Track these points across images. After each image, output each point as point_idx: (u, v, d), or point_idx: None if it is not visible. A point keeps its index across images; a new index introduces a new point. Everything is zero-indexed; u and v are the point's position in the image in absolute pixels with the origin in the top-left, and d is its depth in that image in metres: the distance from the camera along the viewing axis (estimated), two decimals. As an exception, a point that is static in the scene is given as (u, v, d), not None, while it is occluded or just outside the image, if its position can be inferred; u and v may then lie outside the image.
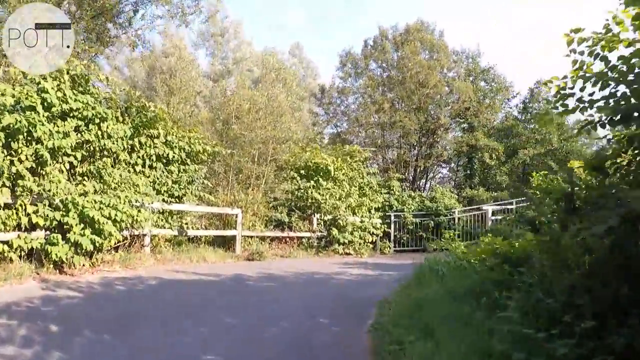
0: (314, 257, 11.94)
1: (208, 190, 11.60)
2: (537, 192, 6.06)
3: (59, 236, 6.67)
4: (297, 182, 12.86)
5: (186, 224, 9.95)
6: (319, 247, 12.42)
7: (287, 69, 17.57)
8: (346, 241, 12.67)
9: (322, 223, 12.86)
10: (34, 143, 6.91)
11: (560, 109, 3.50)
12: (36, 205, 6.76)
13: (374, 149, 20.26)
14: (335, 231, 12.58)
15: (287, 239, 12.24)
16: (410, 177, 21.51)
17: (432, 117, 21.04)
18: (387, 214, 14.91)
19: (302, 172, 13.14)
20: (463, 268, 6.06)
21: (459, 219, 15.21)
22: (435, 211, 15.26)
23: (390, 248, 14.27)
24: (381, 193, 15.40)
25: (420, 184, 22.65)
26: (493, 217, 10.31)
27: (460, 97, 20.57)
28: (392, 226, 14.74)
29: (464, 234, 13.87)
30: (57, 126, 7.23)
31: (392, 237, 14.67)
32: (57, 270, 6.74)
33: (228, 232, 10.96)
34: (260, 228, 11.72)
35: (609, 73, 3.15)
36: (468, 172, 21.24)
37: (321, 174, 13.10)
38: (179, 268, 8.37)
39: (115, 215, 7.12)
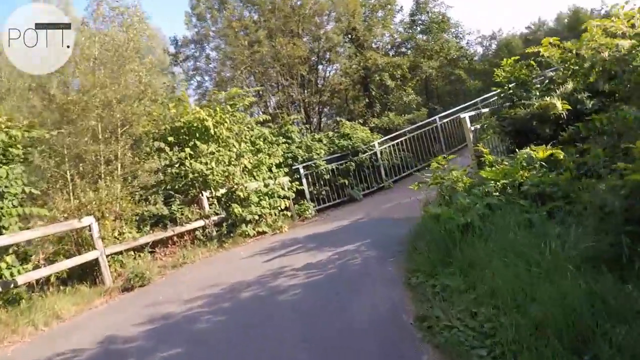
0: (218, 252, 8.44)
1: (34, 200, 7.45)
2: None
3: None
4: (168, 154, 9.02)
5: (9, 267, 5.90)
6: (221, 236, 8.87)
7: None
8: (255, 217, 9.28)
9: (215, 202, 9.29)
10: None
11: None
12: None
13: (259, 88, 16.49)
14: (236, 208, 9.06)
15: (175, 238, 8.55)
16: (303, 119, 18.22)
17: (318, 40, 17.58)
18: (293, 167, 11.69)
19: (171, 138, 9.25)
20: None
21: (382, 152, 12.62)
22: (353, 149, 12.43)
23: (310, 209, 11.18)
24: (279, 144, 12.11)
25: (317, 124, 19.42)
26: (472, 127, 7.90)
27: (346, 13, 17.37)
28: (305, 181, 11.56)
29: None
30: None
31: (307, 196, 11.58)
32: None
33: (85, 257, 6.88)
34: (132, 235, 7.82)
35: None
36: (366, 100, 18.64)
37: (197, 135, 9.34)
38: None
39: None
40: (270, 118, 13.45)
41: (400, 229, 6.57)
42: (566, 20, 26.42)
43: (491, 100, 13.95)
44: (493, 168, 5.81)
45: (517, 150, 6.19)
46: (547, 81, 7.76)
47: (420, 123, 13.69)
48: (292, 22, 16.93)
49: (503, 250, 3.86)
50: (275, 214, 9.85)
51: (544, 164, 5.32)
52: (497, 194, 5.20)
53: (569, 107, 6.35)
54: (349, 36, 18.09)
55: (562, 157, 5.18)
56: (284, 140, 12.48)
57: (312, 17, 17.30)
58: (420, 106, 17.15)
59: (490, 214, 4.76)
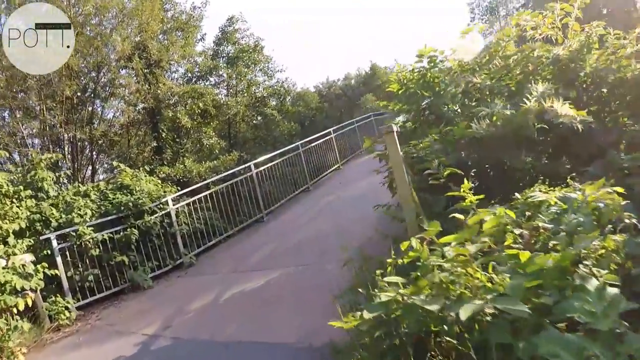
0: None
1: None
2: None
3: None
4: None
5: None
6: None
7: None
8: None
9: None
10: None
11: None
12: None
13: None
14: None
15: None
16: (68, 163, 13.47)
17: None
18: (42, 237, 7.45)
19: None
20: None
21: (178, 212, 9.15)
22: (136, 208, 8.55)
23: (70, 310, 7.01)
24: (21, 199, 7.78)
25: (87, 173, 14.45)
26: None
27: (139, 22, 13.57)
28: (60, 260, 7.31)
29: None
30: None
31: (65, 285, 7.19)
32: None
33: None
34: None
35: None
36: (155, 143, 15.01)
37: None
38: None
39: None
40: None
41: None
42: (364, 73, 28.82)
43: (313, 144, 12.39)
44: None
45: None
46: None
47: (229, 172, 10.81)
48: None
49: None
50: (5, 324, 5.63)
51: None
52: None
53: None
54: (140, 56, 14.28)
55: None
56: (30, 193, 8.07)
57: (89, 15, 12.86)
58: (224, 151, 14.37)
59: None
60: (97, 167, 14.85)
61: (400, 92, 5.45)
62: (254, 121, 19.69)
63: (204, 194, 9.67)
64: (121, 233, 8.19)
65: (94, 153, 14.42)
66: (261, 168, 10.77)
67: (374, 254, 3.92)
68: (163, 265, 8.52)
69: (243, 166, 10.74)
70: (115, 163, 11.58)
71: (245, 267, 7.12)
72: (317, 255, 6.37)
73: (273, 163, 11.10)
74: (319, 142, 13.14)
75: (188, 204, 9.42)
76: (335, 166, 13.69)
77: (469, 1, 56.75)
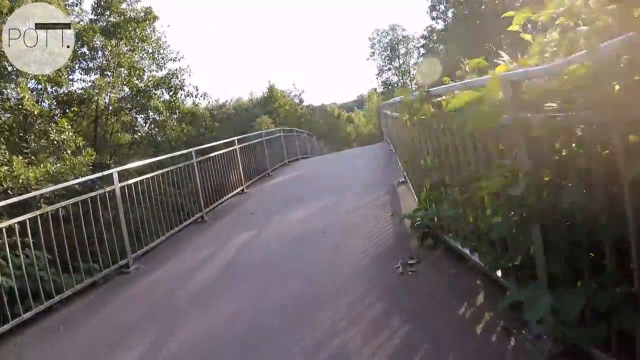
0: None
1: None
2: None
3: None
4: None
5: None
6: None
7: None
8: None
9: None
10: None
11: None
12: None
13: None
14: None
15: None
16: None
17: None
18: None
19: None
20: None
21: None
22: None
23: None
24: None
25: None
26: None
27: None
28: None
29: None
30: None
31: None
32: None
33: None
34: None
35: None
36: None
37: None
38: None
39: None
40: None
41: None
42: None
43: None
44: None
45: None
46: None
47: (77, 181, 6.86)
48: None
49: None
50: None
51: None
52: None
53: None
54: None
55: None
56: None
57: None
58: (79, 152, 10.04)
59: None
60: None
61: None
62: (133, 122, 15.54)
63: (27, 216, 5.68)
64: None
65: None
66: (131, 181, 6.93)
67: None
68: None
69: (100, 174, 6.73)
70: None
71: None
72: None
73: (149, 176, 7.13)
74: (220, 152, 9.74)
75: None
76: (239, 189, 10.32)
77: (371, 36, 57.71)
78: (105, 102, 12.33)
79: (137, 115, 14.99)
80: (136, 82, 12.97)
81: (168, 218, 7.29)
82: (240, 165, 10.49)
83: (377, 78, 57.63)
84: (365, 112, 67.01)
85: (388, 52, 56.57)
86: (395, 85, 56.39)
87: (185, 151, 8.61)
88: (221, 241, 6.35)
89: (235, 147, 10.56)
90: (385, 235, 4.76)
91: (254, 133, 13.31)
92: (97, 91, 10.84)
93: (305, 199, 7.78)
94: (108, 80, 11.61)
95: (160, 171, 7.37)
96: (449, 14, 42.12)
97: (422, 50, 51.27)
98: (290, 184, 10.77)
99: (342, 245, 4.83)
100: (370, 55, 57.30)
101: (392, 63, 57.01)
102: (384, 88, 57.25)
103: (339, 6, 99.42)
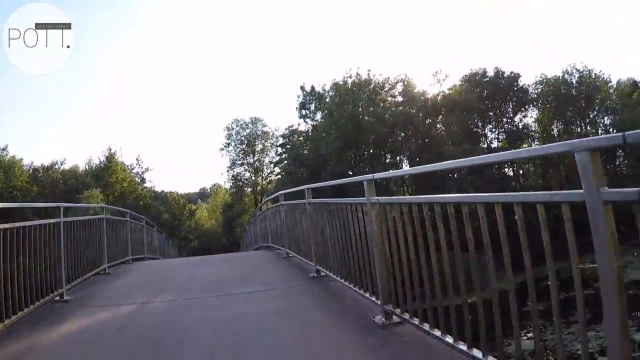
0: None
1: None
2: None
3: None
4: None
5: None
6: None
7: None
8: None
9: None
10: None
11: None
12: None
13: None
14: None
15: None
16: None
17: None
18: None
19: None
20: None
21: None
22: None
23: None
24: None
25: None
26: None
27: None
28: None
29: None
30: None
31: None
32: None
33: None
34: None
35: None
36: None
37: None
38: None
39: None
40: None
41: None
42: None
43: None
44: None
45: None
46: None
47: None
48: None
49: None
50: None
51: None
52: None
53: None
54: None
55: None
56: None
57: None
58: None
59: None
60: None
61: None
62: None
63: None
64: None
65: None
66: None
67: None
68: None
69: None
70: None
71: None
72: None
73: None
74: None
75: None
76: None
77: (229, 126, 53.44)
78: None
79: None
80: None
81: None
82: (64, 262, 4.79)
83: (227, 171, 52.67)
84: (209, 207, 61.15)
85: (244, 147, 53.04)
86: (246, 182, 52.77)
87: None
88: None
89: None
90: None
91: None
92: None
93: None
94: None
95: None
96: (318, 115, 41.73)
97: (279, 150, 49.77)
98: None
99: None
100: (225, 146, 52.63)
101: (246, 158, 53.34)
102: (233, 184, 52.83)
103: (194, 88, 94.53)
